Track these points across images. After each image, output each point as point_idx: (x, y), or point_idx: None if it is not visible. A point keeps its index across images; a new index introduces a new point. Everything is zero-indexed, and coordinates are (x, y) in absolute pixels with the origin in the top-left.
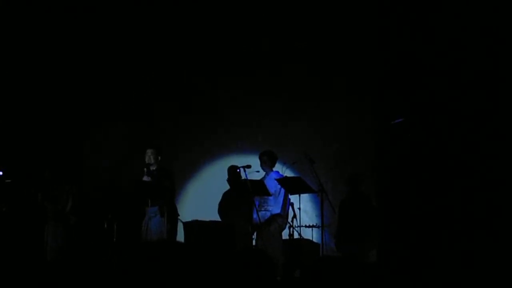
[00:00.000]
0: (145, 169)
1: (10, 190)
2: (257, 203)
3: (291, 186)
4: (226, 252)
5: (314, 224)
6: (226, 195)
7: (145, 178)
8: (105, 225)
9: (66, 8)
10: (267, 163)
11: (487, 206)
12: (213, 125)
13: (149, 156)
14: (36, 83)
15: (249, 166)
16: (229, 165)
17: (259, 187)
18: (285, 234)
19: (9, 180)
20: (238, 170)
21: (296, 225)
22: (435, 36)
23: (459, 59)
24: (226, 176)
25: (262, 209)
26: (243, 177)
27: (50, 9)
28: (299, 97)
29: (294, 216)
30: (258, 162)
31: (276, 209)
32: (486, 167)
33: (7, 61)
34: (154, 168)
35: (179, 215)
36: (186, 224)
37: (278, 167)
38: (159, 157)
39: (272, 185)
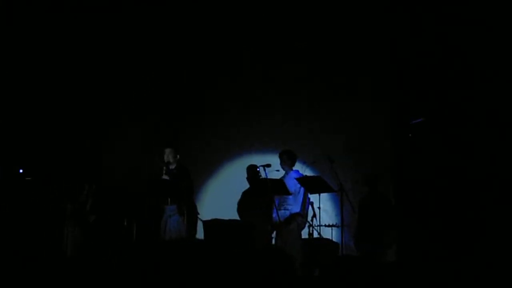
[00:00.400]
0: (164, 168)
1: (30, 188)
2: (276, 202)
3: (311, 185)
4: (245, 250)
5: (334, 224)
6: (245, 194)
7: (164, 177)
8: (125, 224)
9: (87, 8)
10: (287, 162)
11: (505, 205)
12: (233, 123)
13: (167, 155)
14: (57, 84)
15: (269, 165)
16: (249, 164)
17: (279, 186)
18: (304, 233)
19: (29, 178)
20: (257, 169)
21: (316, 224)
22: (458, 36)
23: (480, 60)
24: (245, 175)
25: (282, 208)
26: (263, 176)
27: (70, 9)
28: (319, 96)
29: (314, 215)
30: (278, 161)
31: (296, 208)
32: (505, 168)
33: (28, 62)
34: (173, 167)
35: (198, 214)
36: (206, 223)
37: (297, 166)
38: (178, 156)
39: (292, 184)
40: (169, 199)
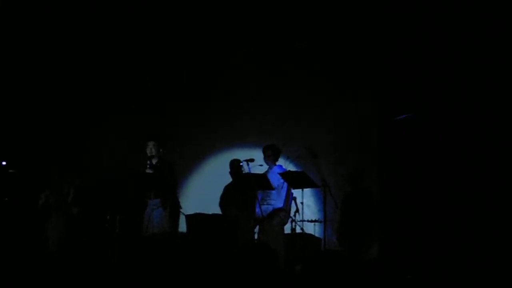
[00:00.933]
0: (147, 161)
1: (13, 180)
2: (259, 197)
3: (294, 180)
4: (228, 245)
5: (317, 219)
6: (228, 188)
7: (148, 171)
8: (108, 217)
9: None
10: (271, 157)
11: (489, 204)
12: (217, 118)
13: (151, 148)
14: (41, 76)
15: (252, 160)
16: (232, 158)
17: (262, 180)
18: (287, 229)
19: (12, 171)
20: (241, 164)
21: (299, 220)
22: (441, 32)
23: (466, 56)
24: (228, 170)
25: (265, 203)
26: (246, 170)
27: (59, 6)
28: (304, 92)
29: (297, 210)
30: (261, 156)
31: (279, 203)
32: (488, 165)
33: (12, 57)
34: (156, 161)
35: (181, 208)
36: (188, 217)
37: (281, 161)
38: (161, 150)
39: (275, 179)
40: (152, 193)
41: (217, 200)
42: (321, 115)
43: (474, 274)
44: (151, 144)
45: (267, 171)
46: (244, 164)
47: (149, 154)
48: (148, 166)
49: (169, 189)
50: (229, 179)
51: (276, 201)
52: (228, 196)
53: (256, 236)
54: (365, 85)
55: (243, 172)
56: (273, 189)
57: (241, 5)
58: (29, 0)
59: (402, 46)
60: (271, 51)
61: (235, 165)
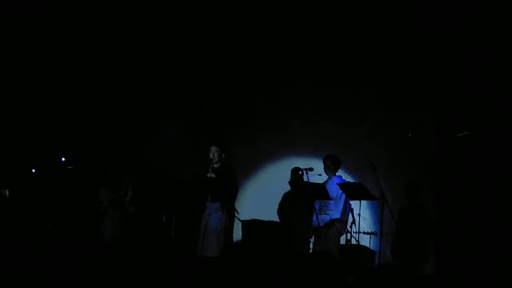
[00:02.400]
0: (210, 165)
1: (71, 176)
2: (317, 206)
3: (353, 191)
4: (283, 253)
5: (372, 231)
6: (286, 196)
7: (209, 175)
8: (163, 220)
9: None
10: (331, 167)
11: None
12: (276, 125)
13: (213, 153)
14: (102, 74)
15: (311, 169)
16: (289, 166)
17: (320, 190)
18: (342, 240)
19: (71, 167)
20: (300, 172)
21: (354, 231)
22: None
23: None
24: (285, 177)
25: (323, 213)
26: (305, 179)
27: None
28: (365, 103)
29: (353, 221)
30: (319, 165)
31: (336, 214)
32: None
33: (73, 55)
34: (218, 165)
35: (238, 213)
36: (245, 223)
37: (340, 172)
38: (223, 155)
39: (334, 190)
40: (209, 196)
41: (272, 207)
42: (381, 127)
43: None
44: (213, 149)
45: (326, 181)
46: (303, 172)
47: (211, 158)
48: (210, 170)
49: (230, 194)
50: (286, 186)
51: (334, 211)
52: (286, 204)
53: (311, 246)
54: (426, 99)
55: (303, 180)
56: (331, 199)
57: (304, 11)
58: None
59: (465, 61)
60: (334, 61)
61: (295, 174)
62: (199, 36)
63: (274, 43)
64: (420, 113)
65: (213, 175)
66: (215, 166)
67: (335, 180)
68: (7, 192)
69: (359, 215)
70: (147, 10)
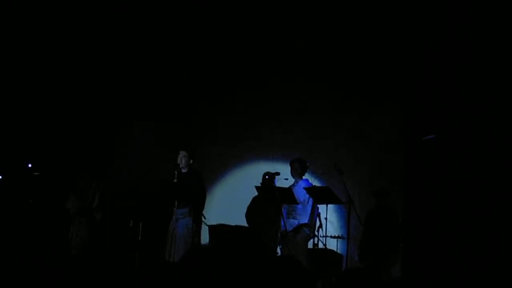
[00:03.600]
0: (175, 171)
1: (37, 183)
2: (285, 211)
3: (319, 195)
4: (251, 257)
5: (339, 235)
6: (255, 200)
7: (175, 180)
8: (130, 224)
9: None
10: (298, 170)
11: None
12: (243, 130)
13: (181, 158)
14: (70, 79)
15: (278, 173)
16: (257, 170)
17: (287, 195)
18: (309, 244)
19: (37, 173)
20: (267, 177)
21: (321, 235)
22: (470, 51)
23: (495, 76)
24: (253, 182)
25: (291, 217)
26: (273, 184)
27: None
28: (332, 109)
29: (320, 226)
30: (287, 170)
31: (304, 219)
32: None
33: (39, 61)
34: (185, 170)
35: (205, 218)
36: (212, 228)
37: (307, 176)
38: (191, 161)
39: (301, 194)
40: (176, 202)
41: (240, 211)
42: (348, 132)
43: None
44: (182, 154)
45: (293, 185)
46: (270, 177)
47: (178, 163)
48: (176, 175)
49: (197, 199)
50: (253, 191)
51: (302, 216)
52: (254, 208)
53: (278, 249)
54: (393, 104)
55: (271, 184)
56: (297, 203)
57: (276, 15)
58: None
59: (430, 64)
60: (301, 65)
61: (263, 178)
62: (169, 41)
63: (245, 46)
64: (387, 117)
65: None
66: (182, 171)
67: (301, 184)
68: None
69: (326, 219)
70: (124, 18)
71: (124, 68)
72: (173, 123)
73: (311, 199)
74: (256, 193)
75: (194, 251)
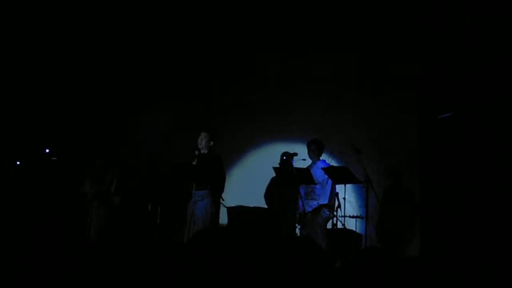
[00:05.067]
0: (195, 152)
1: (55, 168)
2: (303, 192)
3: (337, 176)
4: (269, 238)
5: (358, 215)
6: (273, 181)
7: (194, 162)
8: (149, 208)
9: None
10: (315, 151)
11: None
12: (261, 111)
13: (202, 139)
14: (88, 65)
15: (295, 154)
16: (274, 152)
17: (304, 175)
18: (328, 224)
19: (55, 158)
20: (284, 158)
21: (340, 215)
22: (487, 31)
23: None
24: (270, 163)
25: (309, 198)
26: (291, 164)
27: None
28: (348, 88)
29: (339, 206)
30: (304, 150)
31: (324, 199)
32: None
33: (55, 47)
34: (205, 152)
35: (223, 200)
36: (230, 209)
37: (324, 157)
38: (212, 142)
39: (319, 175)
40: (194, 184)
41: (258, 193)
42: (365, 111)
43: None
44: (203, 135)
45: (310, 166)
46: (287, 158)
47: (199, 145)
48: (196, 156)
49: (217, 181)
50: (271, 172)
51: (321, 196)
52: (273, 190)
53: (297, 231)
54: (409, 82)
55: (288, 165)
56: (315, 184)
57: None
58: None
59: (447, 44)
60: (317, 43)
61: (281, 158)
62: (183, 27)
63: (261, 31)
64: (404, 96)
65: (197, 163)
66: (202, 152)
67: (319, 164)
68: None
69: (344, 199)
70: (124, 4)
71: (140, 50)
72: (191, 104)
73: (329, 179)
74: (274, 174)
75: (208, 231)
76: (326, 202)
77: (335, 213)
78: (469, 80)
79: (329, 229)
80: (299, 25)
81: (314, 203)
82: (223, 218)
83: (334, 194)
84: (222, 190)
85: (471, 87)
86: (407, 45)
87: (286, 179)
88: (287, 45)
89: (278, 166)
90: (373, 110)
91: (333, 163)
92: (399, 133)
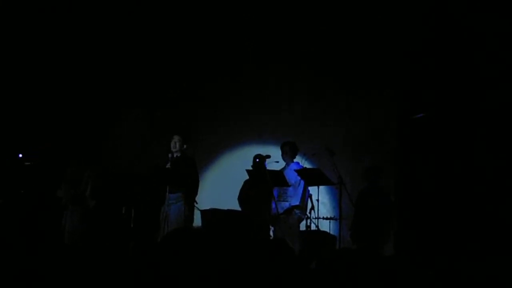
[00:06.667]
0: (169, 155)
1: (29, 173)
2: (276, 193)
3: (310, 177)
4: (243, 241)
5: (332, 216)
6: (246, 184)
7: (168, 165)
8: (123, 211)
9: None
10: (288, 153)
11: (506, 200)
12: (233, 113)
13: (175, 142)
14: (60, 68)
15: (268, 156)
16: (248, 154)
17: (278, 177)
18: (302, 226)
19: (28, 163)
20: (257, 160)
21: (314, 217)
22: (458, 29)
23: (483, 53)
24: (244, 165)
25: (281, 199)
26: (264, 166)
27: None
28: (321, 89)
29: (312, 207)
30: (277, 152)
31: (296, 200)
32: (506, 163)
33: (34, 51)
34: (178, 155)
35: (196, 203)
36: (204, 212)
37: (298, 159)
38: (185, 145)
39: (292, 176)
40: (168, 187)
41: (232, 195)
42: (339, 113)
43: (490, 275)
44: (176, 138)
45: (283, 168)
46: (261, 160)
47: (172, 149)
48: (169, 159)
49: (190, 184)
50: (244, 175)
51: (293, 198)
52: (246, 192)
53: (271, 233)
54: (383, 83)
55: (261, 168)
56: (289, 186)
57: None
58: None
59: (421, 44)
60: (290, 47)
61: (253, 161)
62: (162, 27)
63: (237, 33)
64: (378, 97)
65: (170, 166)
66: (175, 155)
67: (292, 166)
68: None
69: (318, 200)
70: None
71: (114, 54)
72: (163, 109)
73: (302, 181)
74: (248, 177)
75: (178, 232)
76: (297, 203)
77: (308, 214)
78: (444, 80)
79: (302, 231)
80: (268, 29)
81: (286, 204)
82: (197, 221)
83: (306, 196)
84: (195, 193)
85: (446, 87)
86: (383, 45)
87: (260, 181)
88: (257, 50)
89: (251, 168)
90: (347, 111)
91: (307, 164)
92: (374, 133)
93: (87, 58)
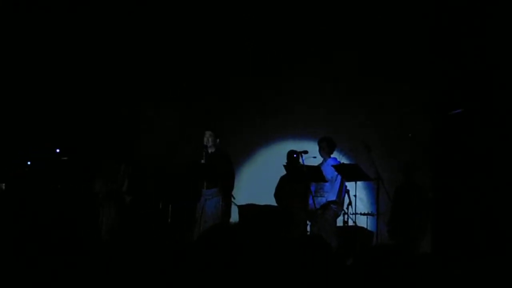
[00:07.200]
0: (203, 151)
1: (66, 168)
2: (313, 189)
3: (348, 173)
4: (280, 236)
5: (369, 212)
6: (283, 179)
7: (203, 161)
8: (160, 206)
9: None
10: (326, 149)
11: None
12: (271, 109)
13: (207, 138)
14: (96, 65)
15: (306, 152)
16: (284, 150)
17: (315, 173)
18: (339, 221)
19: (65, 158)
20: (295, 155)
21: (351, 213)
22: (497, 26)
23: None
24: (281, 161)
25: (318, 195)
26: (301, 162)
27: None
28: (358, 85)
29: (350, 203)
30: (314, 148)
31: (332, 196)
32: None
33: (64, 46)
34: (212, 150)
35: (234, 198)
36: (241, 208)
37: (335, 154)
38: (218, 140)
39: (329, 172)
40: (205, 183)
41: (269, 191)
42: (376, 108)
43: None
44: (208, 134)
45: (321, 164)
46: (298, 156)
47: (205, 144)
48: (204, 155)
49: (226, 179)
50: (282, 170)
51: (330, 193)
52: (283, 188)
53: (308, 228)
54: (420, 79)
55: (298, 163)
56: (326, 181)
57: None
58: None
59: (459, 38)
60: (324, 43)
61: (290, 157)
62: (188, 26)
63: (272, 30)
64: (414, 92)
65: (205, 161)
66: (209, 151)
67: (330, 162)
68: (3, 186)
69: (355, 196)
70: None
71: (148, 53)
72: (197, 105)
73: (339, 176)
74: (284, 172)
75: (218, 228)
76: (334, 198)
77: (346, 210)
78: (480, 76)
79: (340, 226)
80: (301, 25)
81: (323, 200)
82: (234, 217)
83: (343, 191)
84: (231, 187)
85: (482, 83)
86: (417, 41)
87: (296, 177)
88: (295, 44)
89: (284, 164)
90: (384, 107)
91: (344, 160)
92: (410, 130)
93: (122, 56)
